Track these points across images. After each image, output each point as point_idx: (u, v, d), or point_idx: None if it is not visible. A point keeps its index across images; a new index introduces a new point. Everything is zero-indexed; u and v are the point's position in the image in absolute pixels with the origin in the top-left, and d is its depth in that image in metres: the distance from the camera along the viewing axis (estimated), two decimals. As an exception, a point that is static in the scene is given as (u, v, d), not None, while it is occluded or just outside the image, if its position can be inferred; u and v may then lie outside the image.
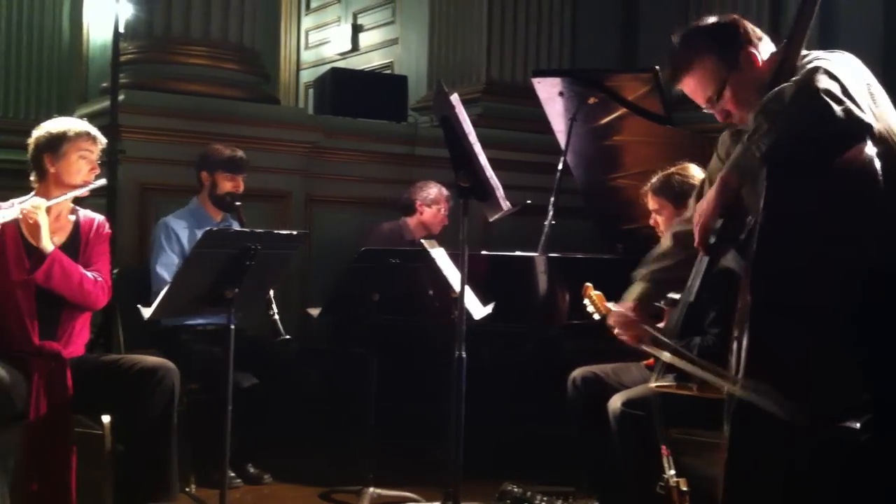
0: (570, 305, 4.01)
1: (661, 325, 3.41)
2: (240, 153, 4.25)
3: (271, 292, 3.72)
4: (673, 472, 2.72)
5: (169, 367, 3.25)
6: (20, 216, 3.09)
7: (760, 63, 2.36)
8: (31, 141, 3.32)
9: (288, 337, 3.72)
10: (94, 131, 3.35)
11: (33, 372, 3.10)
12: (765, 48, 2.39)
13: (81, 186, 3.30)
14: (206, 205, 4.24)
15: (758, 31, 2.42)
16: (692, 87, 2.42)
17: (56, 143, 3.27)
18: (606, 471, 3.43)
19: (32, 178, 3.33)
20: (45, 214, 3.15)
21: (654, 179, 3.50)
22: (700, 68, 2.37)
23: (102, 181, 3.37)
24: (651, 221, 3.53)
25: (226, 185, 4.19)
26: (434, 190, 5.03)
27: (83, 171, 3.29)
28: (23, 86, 8.18)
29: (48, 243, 3.15)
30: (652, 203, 3.50)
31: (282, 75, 8.65)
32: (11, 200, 3.20)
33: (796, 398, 2.03)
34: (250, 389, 3.79)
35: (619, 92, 4.32)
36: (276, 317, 3.72)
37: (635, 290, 2.77)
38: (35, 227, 3.12)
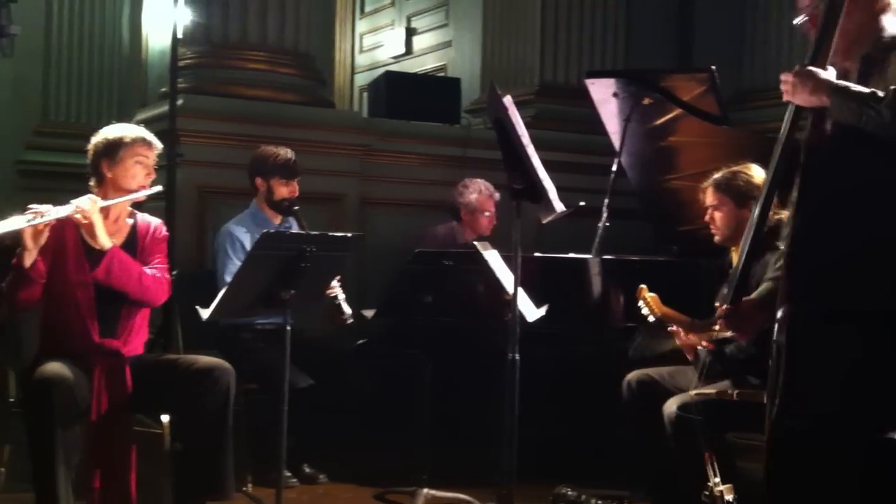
0: (625, 308, 3.98)
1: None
2: (292, 157, 4.26)
3: (337, 278, 3.78)
4: (718, 479, 2.69)
5: (224, 368, 3.29)
6: (73, 214, 3.15)
7: (865, 17, 2.27)
8: (90, 147, 3.38)
9: (351, 319, 3.76)
10: (151, 137, 3.39)
11: (94, 370, 3.16)
12: (891, 16, 2.30)
13: (137, 191, 3.35)
14: (265, 208, 4.27)
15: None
16: None
17: (113, 149, 3.32)
18: (662, 475, 3.40)
19: (91, 183, 3.39)
20: (99, 213, 3.20)
21: (717, 175, 3.44)
22: None
23: (159, 187, 3.42)
24: (706, 217, 3.49)
25: (281, 190, 4.22)
26: (474, 196, 4.88)
27: (139, 176, 3.34)
28: (84, 91, 8.36)
29: (106, 240, 3.20)
30: (711, 198, 3.45)
31: (336, 79, 8.71)
32: (70, 202, 3.26)
33: (839, 407, 1.99)
34: (306, 390, 3.82)
35: (674, 92, 4.28)
36: (342, 297, 3.77)
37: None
38: (90, 226, 3.17)
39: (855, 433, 2.02)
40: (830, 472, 2.05)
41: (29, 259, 3.08)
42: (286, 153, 4.27)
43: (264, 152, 4.30)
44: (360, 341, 3.92)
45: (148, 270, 3.31)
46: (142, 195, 3.37)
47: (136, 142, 3.34)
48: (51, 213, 3.09)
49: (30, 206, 3.09)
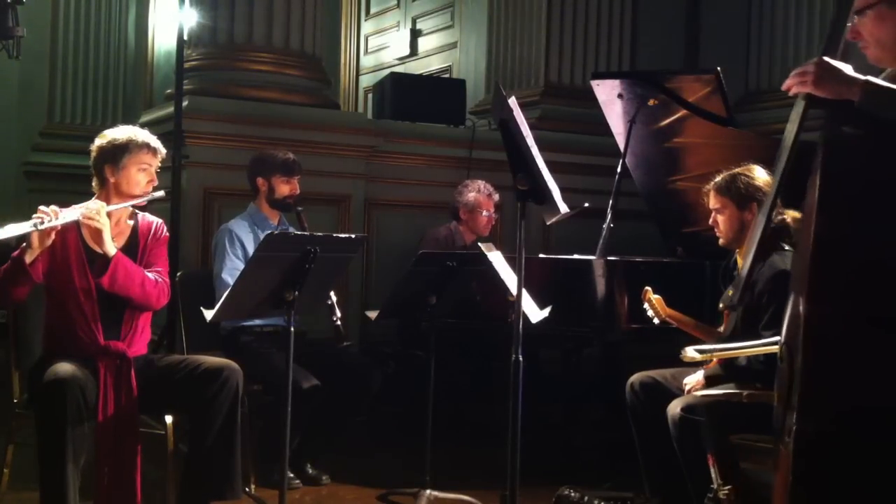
0: (629, 309, 3.97)
1: (721, 328, 3.38)
2: (291, 156, 4.30)
3: (334, 298, 3.80)
4: (721, 481, 2.67)
5: (233, 368, 3.30)
6: (81, 219, 3.15)
7: None
8: (94, 148, 3.37)
9: (339, 323, 3.81)
10: (155, 143, 3.37)
11: (100, 371, 3.16)
12: None
13: (140, 197, 3.35)
14: (264, 208, 4.29)
15: None
16: None
17: (117, 154, 3.31)
18: (666, 476, 3.39)
19: (94, 183, 3.40)
20: (107, 218, 3.20)
21: (717, 178, 3.44)
22: None
23: (161, 193, 3.42)
24: (710, 221, 3.48)
25: (283, 188, 4.24)
26: (472, 194, 4.95)
27: (141, 182, 3.33)
28: (90, 93, 8.41)
29: (111, 247, 3.20)
30: (713, 202, 3.44)
31: (342, 80, 8.73)
32: (73, 206, 3.25)
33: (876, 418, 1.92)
34: (311, 391, 3.82)
35: (679, 93, 4.27)
36: (339, 322, 3.81)
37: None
38: (97, 232, 3.17)
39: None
40: (868, 470, 1.97)
41: (30, 257, 3.07)
42: (285, 152, 4.32)
43: (263, 153, 4.36)
44: (346, 343, 3.95)
45: (150, 275, 3.31)
46: (144, 200, 3.37)
47: (140, 148, 3.33)
48: (59, 217, 3.08)
49: (39, 208, 3.08)
